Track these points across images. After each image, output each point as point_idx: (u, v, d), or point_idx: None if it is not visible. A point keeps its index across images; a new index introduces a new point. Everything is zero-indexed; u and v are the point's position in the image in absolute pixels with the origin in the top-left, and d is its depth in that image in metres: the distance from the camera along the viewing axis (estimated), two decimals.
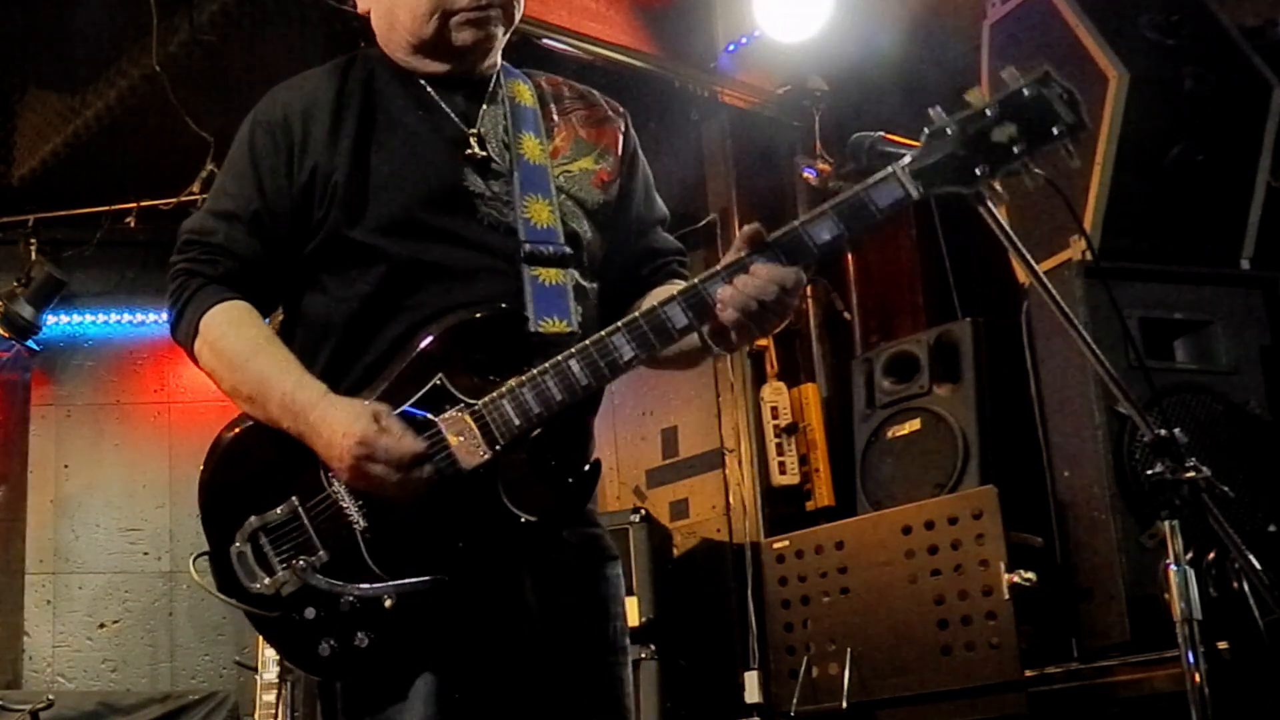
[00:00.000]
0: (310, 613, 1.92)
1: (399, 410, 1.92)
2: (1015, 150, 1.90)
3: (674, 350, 2.04)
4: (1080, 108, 1.92)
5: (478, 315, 1.95)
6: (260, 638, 4.56)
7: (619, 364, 1.91)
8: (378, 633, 1.90)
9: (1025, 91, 1.90)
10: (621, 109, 2.29)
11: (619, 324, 1.91)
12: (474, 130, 2.10)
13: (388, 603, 1.90)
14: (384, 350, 1.98)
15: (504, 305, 1.97)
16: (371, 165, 2.04)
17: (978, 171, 1.90)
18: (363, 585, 1.91)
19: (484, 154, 2.08)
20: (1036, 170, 1.95)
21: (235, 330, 2.02)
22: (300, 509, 1.96)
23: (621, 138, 2.23)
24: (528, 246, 2.02)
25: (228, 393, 2.07)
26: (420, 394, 1.93)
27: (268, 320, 2.10)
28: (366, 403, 1.92)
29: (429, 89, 2.13)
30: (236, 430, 2.06)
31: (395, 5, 2.11)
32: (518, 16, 2.15)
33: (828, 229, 1.91)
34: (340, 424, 1.89)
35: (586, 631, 2.06)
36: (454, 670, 1.91)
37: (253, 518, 1.97)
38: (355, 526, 1.93)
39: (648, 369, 2.14)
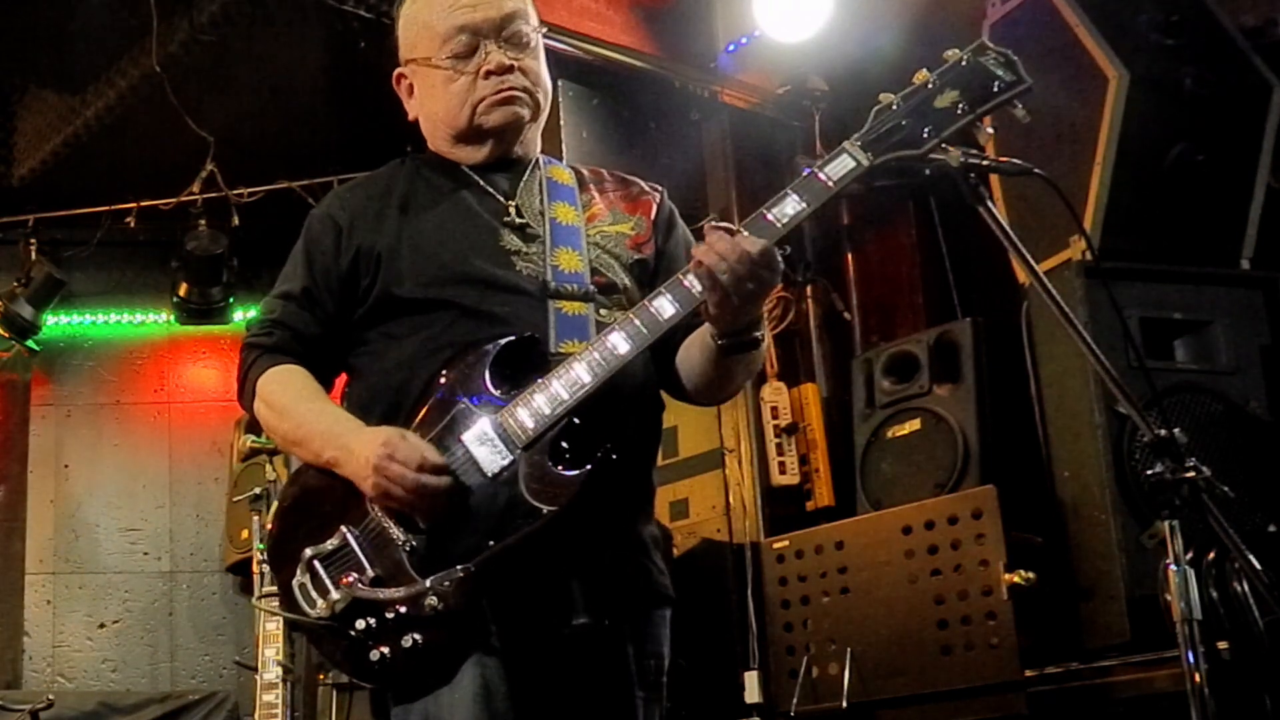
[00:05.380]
0: (361, 624, 2.09)
1: (429, 436, 2.12)
2: (959, 111, 2.05)
3: (702, 361, 2.21)
4: (1017, 67, 2.07)
5: (498, 343, 2.14)
6: (260, 638, 4.59)
7: (616, 358, 2.06)
8: (424, 632, 2.06)
9: (963, 61, 2.08)
10: (659, 188, 2.47)
11: (615, 323, 2.09)
12: (512, 201, 2.31)
13: (430, 602, 2.05)
14: (422, 387, 2.18)
15: (528, 333, 2.15)
16: (415, 231, 2.28)
17: (925, 134, 2.06)
18: (405, 590, 2.07)
19: (521, 220, 2.29)
20: (988, 129, 2.10)
21: (284, 386, 2.27)
22: (349, 536, 2.15)
23: (655, 207, 2.42)
24: (553, 285, 2.22)
25: (280, 442, 2.37)
26: (449, 417, 2.12)
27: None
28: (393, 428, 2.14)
29: (471, 173, 2.35)
30: (290, 488, 2.31)
31: (434, 106, 2.35)
32: (543, 104, 2.36)
33: (790, 205, 2.07)
34: (369, 439, 2.11)
35: (624, 659, 2.20)
36: (498, 655, 2.07)
37: (308, 550, 2.16)
38: (397, 541, 2.10)
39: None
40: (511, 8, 2.31)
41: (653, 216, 2.40)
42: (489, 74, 2.28)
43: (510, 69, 2.28)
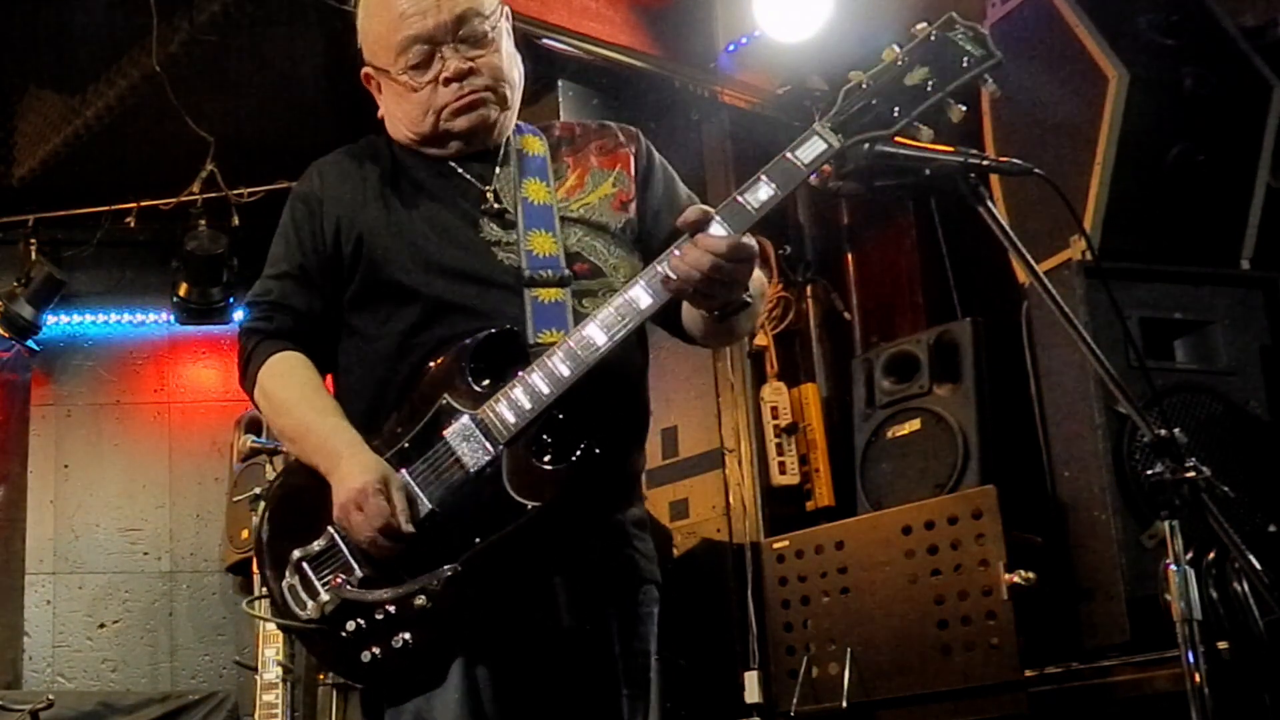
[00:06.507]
0: (351, 625, 2.09)
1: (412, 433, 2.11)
2: (929, 88, 2.03)
3: (695, 327, 2.23)
4: (986, 41, 2.08)
5: (476, 337, 2.12)
6: (260, 638, 4.59)
7: (594, 349, 2.04)
8: (414, 631, 2.05)
9: (932, 37, 2.06)
10: (634, 130, 2.42)
11: (593, 314, 2.07)
12: (490, 187, 2.27)
13: (419, 601, 2.05)
14: (403, 383, 2.17)
15: (506, 326, 2.13)
16: (395, 222, 2.24)
17: (895, 113, 2.03)
18: (393, 590, 2.07)
19: (500, 206, 2.25)
20: (960, 106, 2.06)
21: (283, 380, 2.25)
22: (337, 536, 2.14)
23: (632, 158, 2.36)
24: (528, 273, 2.18)
25: (277, 435, 2.39)
26: (431, 413, 2.11)
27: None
28: (388, 466, 2.11)
29: (448, 161, 2.30)
30: (277, 485, 2.32)
31: (396, 112, 2.31)
32: (512, 97, 2.31)
33: (763, 191, 2.04)
34: (355, 468, 2.09)
35: (610, 657, 2.19)
36: (486, 654, 2.07)
37: (296, 551, 2.15)
38: None
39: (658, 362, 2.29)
40: (464, 7, 2.23)
41: (632, 170, 2.35)
42: (448, 81, 2.22)
43: (469, 72, 2.23)
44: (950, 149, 2.09)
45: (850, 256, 5.24)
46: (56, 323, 6.17)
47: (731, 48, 5.07)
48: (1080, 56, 3.89)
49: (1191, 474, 2.00)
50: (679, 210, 2.25)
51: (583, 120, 2.48)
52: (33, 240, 5.87)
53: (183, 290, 5.95)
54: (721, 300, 2.07)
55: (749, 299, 2.13)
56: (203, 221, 5.66)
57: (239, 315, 5.99)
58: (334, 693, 4.97)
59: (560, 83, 4.80)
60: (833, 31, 4.80)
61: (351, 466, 2.10)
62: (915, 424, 4.38)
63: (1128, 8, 3.98)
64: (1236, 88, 3.99)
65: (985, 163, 2.11)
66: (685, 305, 2.22)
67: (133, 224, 5.69)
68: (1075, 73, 3.90)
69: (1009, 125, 4.11)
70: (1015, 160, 2.23)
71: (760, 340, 5.05)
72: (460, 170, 2.29)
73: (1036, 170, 2.22)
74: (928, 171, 2.10)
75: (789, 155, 2.05)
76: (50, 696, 4.78)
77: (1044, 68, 3.96)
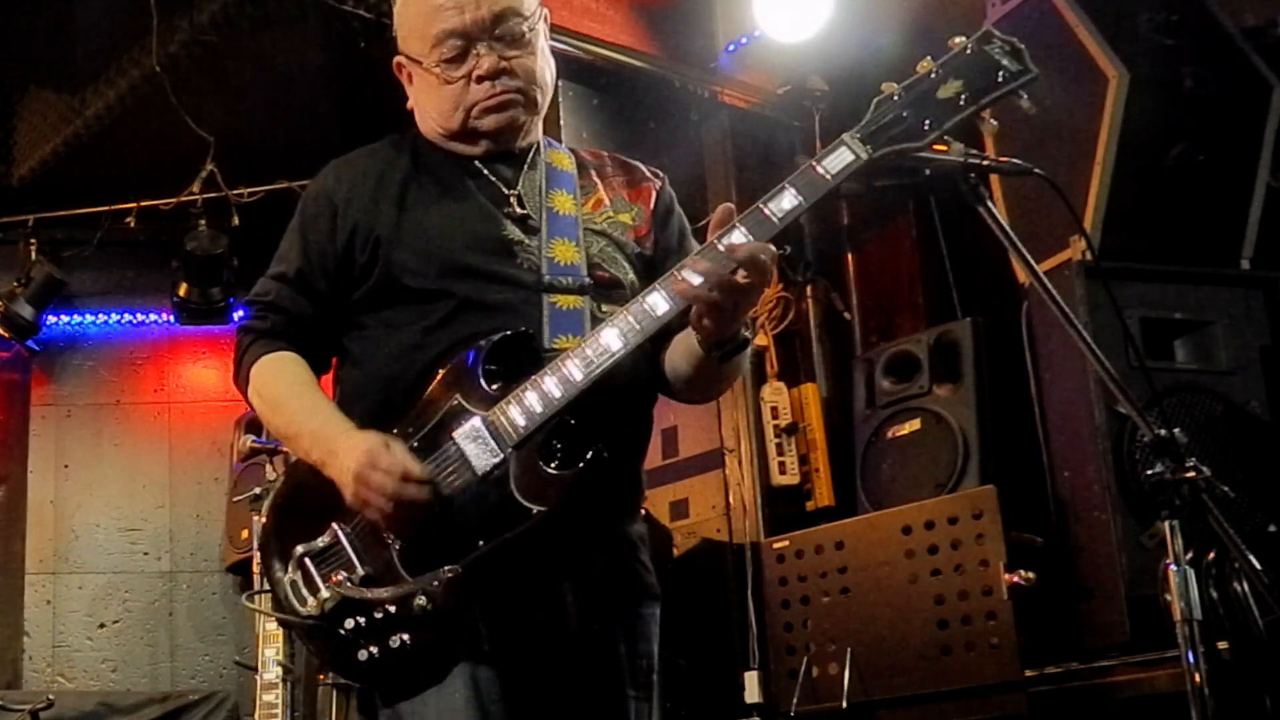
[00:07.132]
0: (350, 624, 2.08)
1: (421, 433, 2.09)
2: (961, 102, 2.00)
3: (686, 367, 2.19)
4: (1024, 56, 2.03)
5: (491, 339, 2.11)
6: (260, 638, 4.59)
7: (608, 355, 2.02)
8: (413, 632, 2.04)
9: (968, 50, 2.03)
10: (660, 173, 2.43)
11: (608, 319, 2.05)
12: (514, 191, 2.26)
13: (419, 602, 2.03)
14: (414, 380, 2.15)
15: (521, 329, 2.11)
16: (417, 219, 2.22)
17: (926, 126, 2.01)
18: (392, 590, 2.06)
19: (523, 211, 2.24)
20: (991, 120, 2.04)
21: (276, 378, 2.25)
22: (340, 533, 2.13)
23: (655, 195, 2.37)
24: (548, 278, 2.18)
25: (274, 432, 2.35)
26: (441, 413, 2.09)
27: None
28: (384, 434, 2.10)
29: (473, 161, 2.29)
30: (283, 480, 2.31)
31: (428, 105, 2.30)
32: (541, 101, 2.30)
33: (787, 200, 2.02)
34: (353, 446, 2.08)
35: (615, 659, 2.19)
36: (490, 656, 2.06)
37: (299, 547, 2.14)
38: (388, 540, 2.09)
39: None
40: (503, 6, 2.21)
41: (651, 206, 2.36)
42: (481, 78, 2.21)
43: (503, 72, 2.21)
44: (952, 142, 2.08)
45: (850, 256, 5.25)
46: (56, 323, 6.17)
47: (731, 48, 5.08)
48: (1080, 56, 3.89)
49: (1191, 474, 2.00)
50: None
51: (612, 154, 2.48)
52: (33, 240, 5.87)
53: (183, 290, 5.95)
54: (734, 318, 2.03)
55: (747, 336, 2.12)
56: (203, 221, 5.66)
57: (239, 315, 6.00)
58: (334, 693, 4.97)
59: (560, 83, 4.79)
60: (833, 31, 4.81)
61: (348, 445, 2.08)
62: (915, 424, 4.38)
63: (1128, 8, 3.98)
64: (1236, 88, 3.99)
65: (985, 163, 2.10)
66: (674, 348, 2.21)
67: (133, 224, 5.69)
68: (1075, 73, 3.90)
69: (1009, 125, 4.11)
70: (1015, 160, 2.23)
71: (760, 340, 5.05)
72: (485, 171, 2.28)
73: (1036, 170, 2.22)
74: (928, 171, 2.09)
75: (815, 165, 2.03)
76: (50, 696, 4.78)
77: (1044, 68, 3.93)
